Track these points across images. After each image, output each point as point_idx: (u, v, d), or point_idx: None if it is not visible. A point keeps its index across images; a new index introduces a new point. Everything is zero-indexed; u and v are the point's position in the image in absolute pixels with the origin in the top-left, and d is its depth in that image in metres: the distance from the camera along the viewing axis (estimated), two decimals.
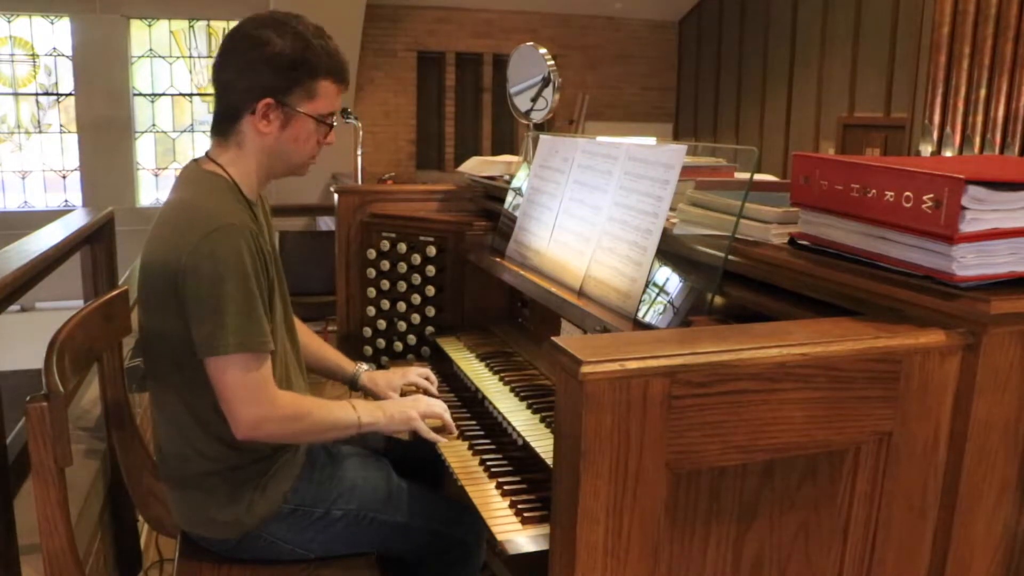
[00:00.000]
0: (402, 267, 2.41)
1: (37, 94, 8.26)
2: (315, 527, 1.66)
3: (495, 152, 8.04)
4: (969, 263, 1.06)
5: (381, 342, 2.46)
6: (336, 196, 2.48)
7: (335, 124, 1.66)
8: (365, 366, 1.99)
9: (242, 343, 1.48)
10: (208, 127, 9.13)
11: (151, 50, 8.43)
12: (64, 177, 8.44)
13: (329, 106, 1.62)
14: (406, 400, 1.80)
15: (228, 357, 1.48)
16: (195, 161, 1.67)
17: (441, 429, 1.78)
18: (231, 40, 1.58)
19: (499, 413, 1.75)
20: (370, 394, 1.94)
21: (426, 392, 1.95)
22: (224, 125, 1.61)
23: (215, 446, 1.60)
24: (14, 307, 2.20)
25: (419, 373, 1.99)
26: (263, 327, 1.51)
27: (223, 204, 1.55)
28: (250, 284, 1.50)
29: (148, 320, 1.61)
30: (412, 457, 1.98)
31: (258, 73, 1.54)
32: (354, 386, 1.97)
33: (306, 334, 1.95)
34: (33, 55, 8.16)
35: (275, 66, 1.54)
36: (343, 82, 1.64)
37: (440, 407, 1.79)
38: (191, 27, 8.47)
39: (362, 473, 1.74)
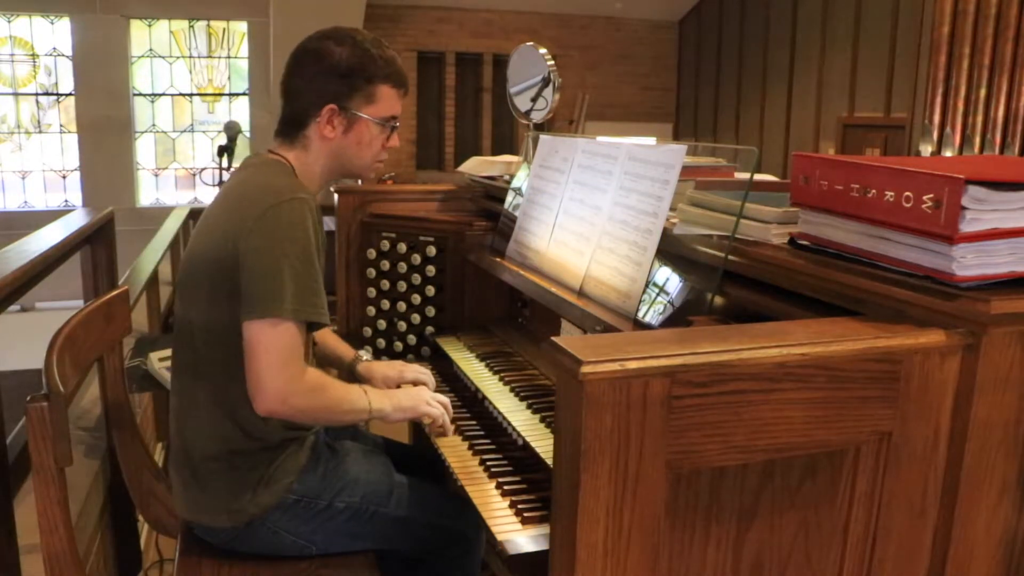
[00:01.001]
0: (402, 267, 2.41)
1: (37, 94, 8.27)
2: (318, 519, 1.67)
3: (495, 152, 8.04)
4: (969, 263, 1.06)
5: (381, 342, 2.46)
6: (336, 196, 2.48)
7: (397, 127, 1.75)
8: (365, 355, 2.00)
9: (298, 311, 1.51)
10: (208, 127, 9.14)
11: (151, 50, 8.43)
12: (64, 177, 8.44)
13: (389, 109, 1.72)
14: (412, 389, 1.83)
15: (280, 321, 1.49)
16: (257, 153, 1.74)
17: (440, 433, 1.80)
18: (296, 54, 1.69)
19: (499, 413, 1.75)
20: (364, 383, 1.94)
21: None
22: (291, 130, 1.70)
23: (231, 429, 1.61)
24: (14, 307, 2.20)
25: (416, 371, 1.98)
26: (321, 299, 1.56)
27: (291, 182, 1.62)
28: (312, 256, 1.55)
29: (192, 309, 1.63)
30: (412, 455, 1.99)
31: (321, 82, 1.65)
32: (351, 374, 1.98)
33: None
34: (33, 55, 8.16)
35: (335, 74, 1.65)
36: (401, 87, 1.73)
37: (445, 400, 1.82)
38: (191, 27, 8.47)
39: (365, 467, 1.76)
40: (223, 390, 1.60)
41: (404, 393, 1.79)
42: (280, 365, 1.51)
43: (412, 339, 2.42)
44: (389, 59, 1.69)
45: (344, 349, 2.02)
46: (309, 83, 1.65)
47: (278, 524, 1.66)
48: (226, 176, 4.66)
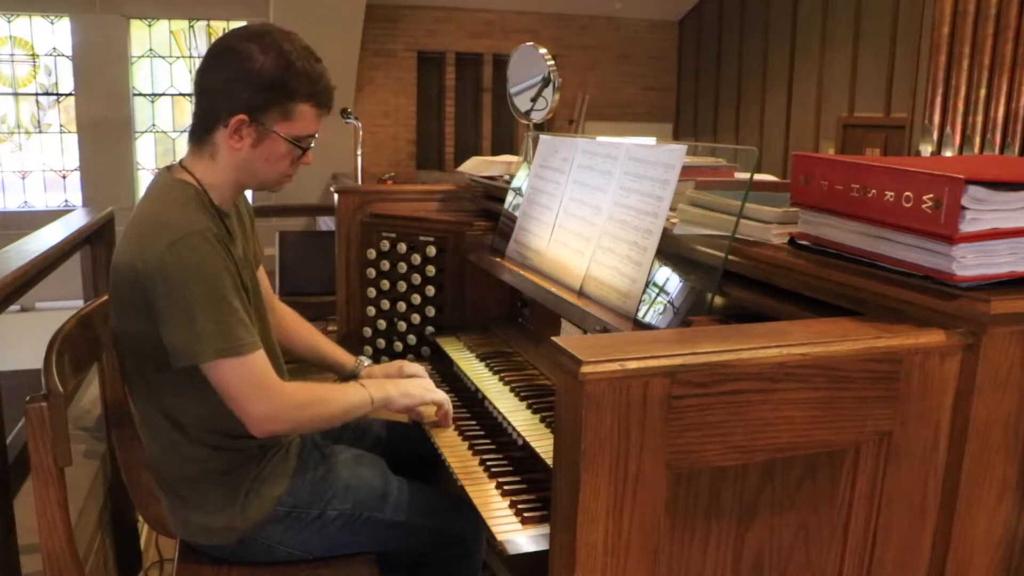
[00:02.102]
0: (402, 267, 2.41)
1: (37, 94, 8.26)
2: (311, 528, 1.66)
3: (495, 152, 8.04)
4: (969, 263, 1.06)
5: (381, 342, 2.45)
6: (336, 196, 2.48)
7: (310, 147, 1.63)
8: (367, 361, 1.98)
9: (219, 349, 1.46)
10: None
11: (151, 50, 8.43)
12: (64, 177, 8.44)
13: (306, 129, 1.59)
14: (416, 379, 1.83)
15: (215, 363, 1.46)
16: (167, 169, 1.64)
17: (437, 423, 1.82)
18: (216, 49, 1.56)
19: (499, 413, 1.75)
20: None
21: None
22: (199, 134, 1.59)
23: (199, 450, 1.59)
24: (14, 307, 2.20)
25: (414, 368, 1.99)
26: (238, 331, 1.48)
27: (187, 213, 1.52)
28: (220, 289, 1.48)
29: (120, 324, 1.59)
30: (408, 454, 1.98)
31: (236, 88, 1.52)
32: (354, 379, 1.97)
33: (301, 327, 1.95)
34: (33, 55, 8.16)
35: (253, 84, 1.52)
36: (324, 107, 1.61)
37: (446, 396, 1.83)
38: (191, 27, 8.47)
39: (356, 472, 1.74)
40: (168, 405, 1.57)
41: (407, 381, 1.79)
42: (252, 394, 1.49)
43: (412, 339, 2.42)
44: (316, 75, 1.56)
45: (343, 356, 1.99)
46: (224, 86, 1.53)
47: (271, 537, 1.64)
48: None
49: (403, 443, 1.99)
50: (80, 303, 2.12)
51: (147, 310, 1.49)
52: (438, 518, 1.76)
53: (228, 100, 1.53)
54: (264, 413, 1.51)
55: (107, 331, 1.81)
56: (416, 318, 2.40)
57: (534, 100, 2.46)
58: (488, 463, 1.66)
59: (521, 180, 2.20)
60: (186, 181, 1.59)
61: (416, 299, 2.40)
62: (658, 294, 1.53)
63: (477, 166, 2.66)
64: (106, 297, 1.82)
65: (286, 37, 1.55)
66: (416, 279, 2.40)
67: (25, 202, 8.37)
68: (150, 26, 8.37)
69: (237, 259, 1.58)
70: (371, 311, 2.45)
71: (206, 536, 1.64)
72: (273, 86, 1.52)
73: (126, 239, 1.56)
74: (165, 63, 8.49)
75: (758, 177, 1.65)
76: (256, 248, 1.83)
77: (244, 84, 1.52)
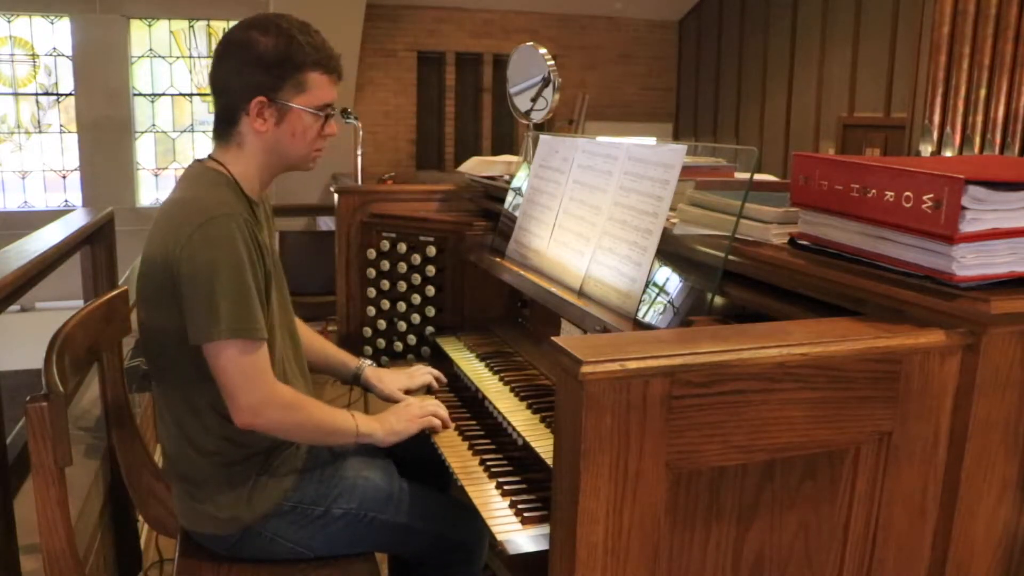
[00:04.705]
0: (402, 267, 2.41)
1: (37, 94, 8.26)
2: (315, 525, 1.67)
3: (495, 152, 8.04)
4: (969, 263, 1.06)
5: (381, 342, 2.45)
6: (336, 196, 2.48)
7: (333, 114, 1.69)
8: (368, 362, 1.99)
9: (235, 329, 1.50)
10: (208, 127, 9.13)
11: (151, 50, 8.43)
12: (64, 177, 8.44)
13: (323, 97, 1.65)
14: (398, 408, 1.80)
15: (222, 343, 1.50)
16: (198, 160, 1.70)
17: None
18: (221, 46, 1.65)
19: (499, 413, 1.75)
20: (373, 390, 1.95)
21: (428, 390, 1.96)
22: (223, 128, 1.66)
23: (214, 441, 1.61)
24: (14, 307, 2.20)
25: (423, 374, 1.99)
26: (256, 315, 1.53)
27: (220, 196, 1.59)
28: (244, 272, 1.52)
29: (147, 316, 1.62)
30: (417, 458, 1.98)
31: (247, 74, 1.60)
32: (356, 381, 1.97)
33: (306, 333, 1.95)
34: (33, 55, 8.15)
35: (262, 65, 1.59)
36: (333, 72, 1.66)
37: (435, 406, 1.81)
38: (191, 27, 8.47)
39: (364, 472, 1.75)
40: (192, 397, 1.60)
41: (394, 416, 1.76)
42: (243, 383, 1.52)
43: (412, 339, 2.42)
44: (318, 45, 1.63)
45: (345, 356, 2.00)
46: (236, 76, 1.60)
47: (275, 531, 1.65)
48: None
49: (412, 447, 1.98)
50: (80, 303, 2.12)
51: (174, 296, 1.53)
52: (442, 523, 1.76)
53: (244, 87, 1.60)
54: (252, 403, 1.53)
55: (108, 330, 1.81)
56: (416, 318, 2.40)
57: (534, 100, 2.46)
58: (488, 463, 1.66)
59: (521, 180, 2.20)
60: (217, 170, 1.65)
61: (416, 299, 2.40)
62: (658, 294, 1.54)
63: (477, 166, 2.66)
64: (107, 296, 1.83)
65: (281, 17, 1.63)
66: (416, 279, 2.40)
67: (25, 202, 8.37)
68: (150, 26, 8.37)
69: (263, 244, 1.62)
70: (371, 311, 2.45)
71: (211, 526, 1.64)
72: (281, 62, 1.59)
73: (157, 229, 1.60)
74: (165, 63, 8.48)
75: (758, 177, 1.65)
76: (271, 243, 1.84)
77: (254, 68, 1.59)
